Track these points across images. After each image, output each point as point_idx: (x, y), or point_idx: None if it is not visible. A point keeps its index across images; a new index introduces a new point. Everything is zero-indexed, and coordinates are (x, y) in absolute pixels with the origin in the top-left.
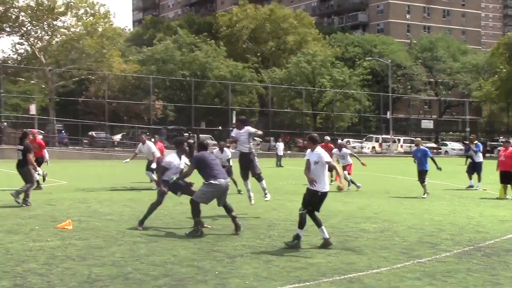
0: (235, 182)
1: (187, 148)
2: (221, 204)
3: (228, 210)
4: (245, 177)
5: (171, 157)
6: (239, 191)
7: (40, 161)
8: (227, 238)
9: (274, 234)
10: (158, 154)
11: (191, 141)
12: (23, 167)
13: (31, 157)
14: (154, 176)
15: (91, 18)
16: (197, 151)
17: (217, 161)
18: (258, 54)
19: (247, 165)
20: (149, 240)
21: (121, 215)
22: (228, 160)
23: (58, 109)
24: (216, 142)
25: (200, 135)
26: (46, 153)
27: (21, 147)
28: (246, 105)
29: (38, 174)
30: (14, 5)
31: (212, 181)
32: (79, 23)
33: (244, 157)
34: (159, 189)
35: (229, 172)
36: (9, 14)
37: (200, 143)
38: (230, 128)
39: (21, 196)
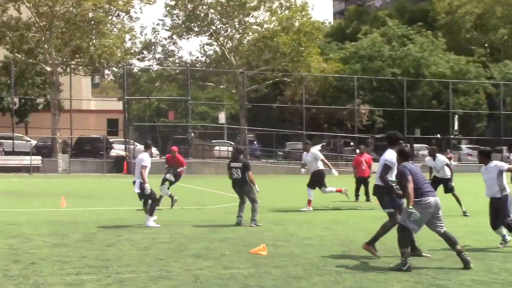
0: (458, 200)
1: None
2: (436, 229)
3: (450, 241)
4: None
5: (390, 153)
6: (464, 213)
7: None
8: (451, 271)
9: (511, 268)
10: (321, 160)
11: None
12: (243, 186)
13: (250, 174)
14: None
15: (286, 12)
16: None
17: (423, 174)
18: (486, 45)
19: None
20: (355, 269)
21: (322, 239)
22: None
23: (249, 117)
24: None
25: (414, 145)
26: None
27: (239, 164)
28: (471, 108)
29: (170, 196)
30: (202, 2)
31: (422, 200)
32: (273, 18)
33: None
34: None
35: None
36: (198, 12)
37: (401, 151)
38: (452, 136)
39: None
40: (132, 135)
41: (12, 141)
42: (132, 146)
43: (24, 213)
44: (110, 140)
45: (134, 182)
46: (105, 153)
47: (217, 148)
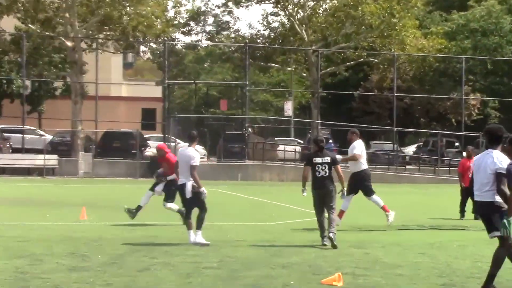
0: None
1: None
2: None
3: None
4: None
5: (501, 155)
6: None
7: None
8: None
9: None
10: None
11: None
12: (328, 186)
13: (340, 169)
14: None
15: None
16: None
17: None
18: None
19: None
20: None
21: (416, 267)
22: None
23: (324, 108)
24: None
25: None
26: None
27: (326, 159)
28: None
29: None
30: None
31: None
32: None
33: None
34: None
35: None
36: None
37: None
38: None
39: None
40: (173, 129)
41: (21, 135)
42: (172, 144)
43: (35, 227)
44: (145, 136)
45: (181, 186)
46: (138, 152)
47: (281, 147)
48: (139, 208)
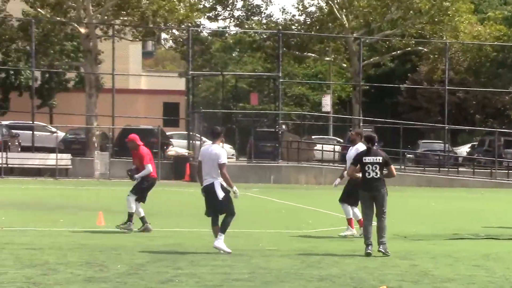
0: None
1: None
2: None
3: None
4: None
5: None
6: None
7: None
8: None
9: None
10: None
11: None
12: (380, 189)
13: (393, 169)
14: None
15: None
16: None
17: None
18: None
19: None
20: None
21: (470, 281)
22: None
23: (367, 103)
24: None
25: None
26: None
27: (378, 159)
28: None
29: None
30: None
31: None
32: None
33: None
34: None
35: None
36: None
37: None
38: None
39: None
40: (198, 126)
41: (31, 132)
42: (197, 142)
43: (47, 234)
44: (168, 133)
45: (207, 187)
46: (159, 151)
47: (318, 147)
48: (130, 216)
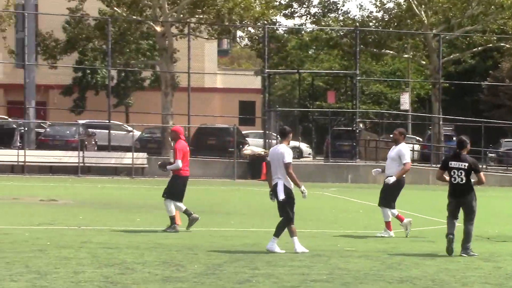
0: None
1: None
2: None
3: None
4: None
5: None
6: None
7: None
8: None
9: None
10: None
11: None
12: (466, 195)
13: (483, 176)
14: None
15: None
16: None
17: None
18: None
19: None
20: None
21: None
22: None
23: (447, 101)
24: None
25: None
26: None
27: (463, 165)
28: None
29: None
30: None
31: None
32: None
33: None
34: None
35: None
36: None
37: None
38: None
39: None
40: (274, 124)
41: (107, 131)
42: (274, 141)
43: (125, 233)
44: (244, 132)
45: (274, 187)
46: (235, 150)
47: None
48: (172, 219)
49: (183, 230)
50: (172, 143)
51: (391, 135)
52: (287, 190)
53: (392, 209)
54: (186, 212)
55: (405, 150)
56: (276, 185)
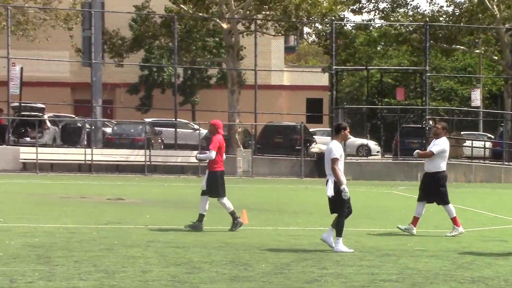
0: None
1: None
2: None
3: None
4: None
5: None
6: None
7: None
8: None
9: None
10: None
11: None
12: None
13: None
14: None
15: None
16: None
17: None
18: None
19: None
20: None
21: None
22: None
23: None
24: None
25: None
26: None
27: None
28: None
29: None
30: None
31: None
32: None
33: None
34: None
35: None
36: None
37: None
38: None
39: None
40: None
41: (174, 129)
42: None
43: (191, 232)
44: (311, 130)
45: (326, 183)
46: (302, 148)
47: (468, 143)
48: (201, 217)
49: (246, 228)
50: (210, 134)
51: (434, 129)
52: (337, 187)
53: (449, 204)
54: (201, 216)
55: (440, 142)
56: (327, 181)
